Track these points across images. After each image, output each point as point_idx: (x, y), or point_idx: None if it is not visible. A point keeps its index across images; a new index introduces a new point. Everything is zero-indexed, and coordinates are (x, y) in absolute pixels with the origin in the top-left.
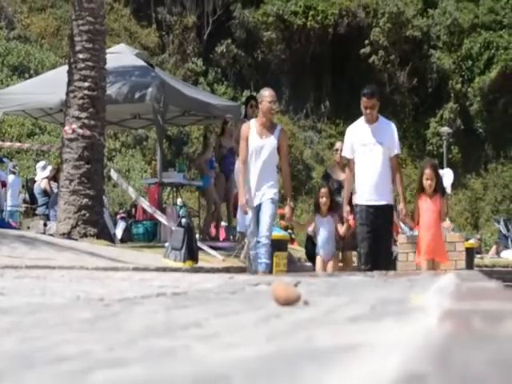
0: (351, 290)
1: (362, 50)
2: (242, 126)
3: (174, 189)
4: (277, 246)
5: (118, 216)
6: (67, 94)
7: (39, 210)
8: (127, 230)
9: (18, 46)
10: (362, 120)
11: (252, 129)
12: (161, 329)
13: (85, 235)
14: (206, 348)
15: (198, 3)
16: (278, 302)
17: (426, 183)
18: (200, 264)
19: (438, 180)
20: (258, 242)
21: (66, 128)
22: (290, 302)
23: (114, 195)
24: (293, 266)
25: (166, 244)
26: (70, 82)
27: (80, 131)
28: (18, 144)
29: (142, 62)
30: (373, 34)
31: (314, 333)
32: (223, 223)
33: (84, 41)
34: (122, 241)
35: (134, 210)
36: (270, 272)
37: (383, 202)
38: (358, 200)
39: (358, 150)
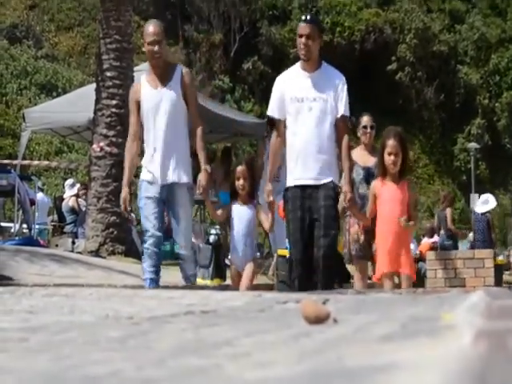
0: (380, 308)
1: (389, 67)
2: (131, 89)
3: (201, 206)
4: None
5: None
6: (95, 112)
7: (67, 228)
8: None
9: (45, 65)
10: (297, 66)
11: (143, 85)
12: (191, 348)
13: (113, 253)
14: (237, 367)
15: (224, 21)
16: (307, 321)
17: (389, 160)
18: (228, 282)
19: (406, 157)
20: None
21: (94, 146)
22: (319, 320)
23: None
24: None
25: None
26: (97, 100)
27: (108, 149)
28: (46, 162)
29: None
30: (399, 50)
31: (345, 352)
32: None
33: (111, 59)
34: None
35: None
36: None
37: (324, 180)
38: (288, 181)
39: (291, 107)
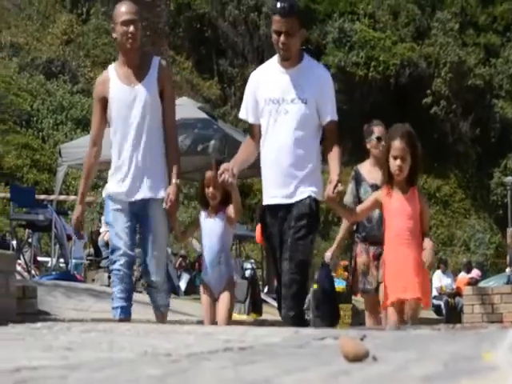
0: (419, 345)
1: (424, 100)
2: (97, 81)
3: (237, 240)
4: (341, 298)
5: (182, 268)
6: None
7: (103, 263)
8: (191, 282)
9: (81, 100)
10: (274, 61)
11: (112, 78)
12: None
13: None
14: None
15: (259, 55)
16: (346, 358)
17: (394, 165)
18: (264, 316)
19: (416, 161)
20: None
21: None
22: (358, 357)
23: (177, 247)
24: (357, 318)
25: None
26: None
27: None
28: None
29: (204, 115)
30: (435, 84)
31: None
32: None
33: None
34: (186, 293)
35: (197, 262)
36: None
37: (299, 197)
38: (263, 199)
39: (265, 110)
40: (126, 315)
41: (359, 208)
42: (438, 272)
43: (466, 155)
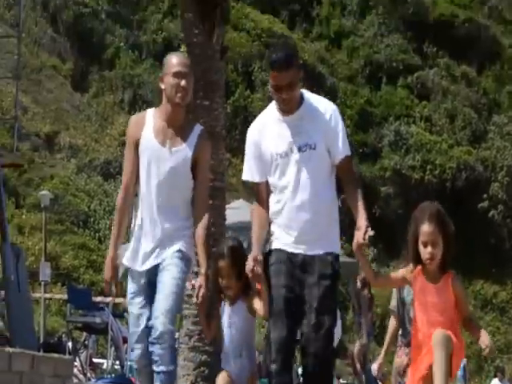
0: None
1: (481, 204)
2: (130, 120)
3: None
4: None
5: None
6: None
7: None
8: None
9: (138, 201)
10: (272, 109)
11: (147, 126)
12: None
13: None
14: None
15: None
16: None
17: (425, 253)
18: None
19: (450, 243)
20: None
21: (186, 284)
22: None
23: None
24: None
25: None
26: None
27: None
28: None
29: None
30: (492, 188)
31: None
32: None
33: None
34: None
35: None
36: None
37: (320, 251)
38: (272, 243)
39: (273, 167)
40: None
41: (385, 275)
42: (496, 380)
43: None
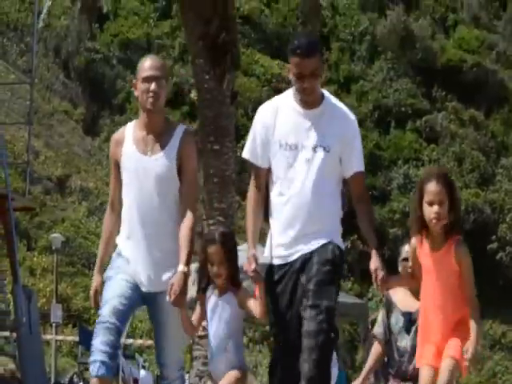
0: None
1: (489, 246)
2: (112, 138)
3: None
4: None
5: None
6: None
7: None
8: None
9: None
10: (290, 97)
11: (127, 140)
12: None
13: None
14: None
15: None
16: None
17: (430, 212)
18: None
19: (455, 209)
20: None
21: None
22: None
23: None
24: None
25: None
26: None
27: None
28: (149, 342)
29: None
30: (500, 229)
31: None
32: None
33: None
34: None
35: None
36: None
37: (321, 242)
38: (272, 252)
39: (280, 156)
40: (107, 372)
41: (412, 272)
42: None
43: None
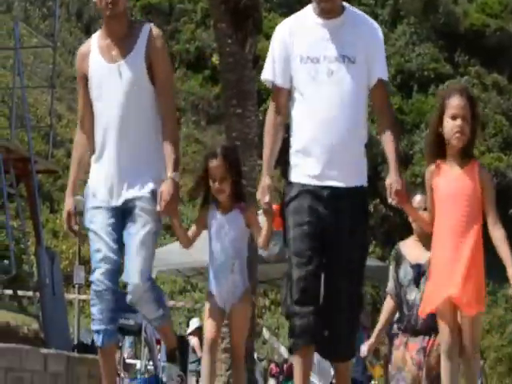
0: None
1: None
2: (77, 52)
3: None
4: None
5: (273, 375)
6: None
7: (191, 367)
8: None
9: None
10: (309, 10)
11: (93, 51)
12: None
13: None
14: None
15: None
16: None
17: (454, 126)
18: None
19: (477, 128)
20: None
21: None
22: None
23: (263, 351)
24: None
25: None
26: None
27: None
28: (172, 302)
29: None
30: None
31: None
32: None
33: None
34: None
35: (285, 366)
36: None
37: (354, 183)
38: (294, 175)
39: (300, 71)
40: (109, 340)
41: (429, 210)
42: None
43: None
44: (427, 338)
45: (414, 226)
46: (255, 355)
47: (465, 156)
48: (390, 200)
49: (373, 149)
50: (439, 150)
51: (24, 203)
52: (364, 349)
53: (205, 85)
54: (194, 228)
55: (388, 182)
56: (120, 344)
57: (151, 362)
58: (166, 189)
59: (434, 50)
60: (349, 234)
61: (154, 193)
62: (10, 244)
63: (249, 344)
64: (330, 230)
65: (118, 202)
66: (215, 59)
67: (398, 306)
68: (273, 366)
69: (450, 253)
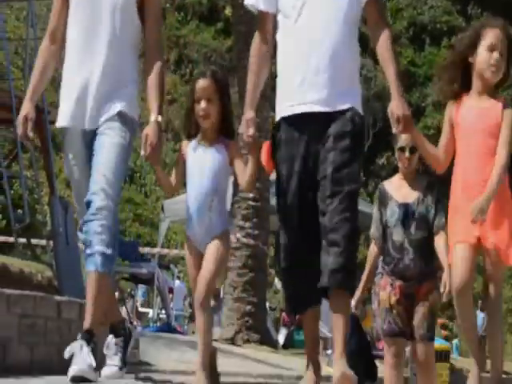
0: None
1: None
2: None
3: None
4: (438, 356)
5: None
6: (232, 204)
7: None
8: (289, 337)
9: None
10: None
11: None
12: None
13: (248, 341)
14: None
15: None
16: None
17: (490, 58)
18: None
19: (510, 65)
20: (88, 205)
21: (231, 237)
22: None
23: (275, 301)
24: (454, 377)
25: (329, 352)
26: (234, 193)
27: (244, 240)
28: (184, 251)
29: None
30: None
31: None
32: None
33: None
34: (284, 347)
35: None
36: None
37: (340, 107)
38: (278, 111)
39: None
40: (109, 264)
41: (441, 143)
42: None
43: None
44: (417, 284)
45: (399, 164)
46: (267, 304)
47: (491, 92)
48: (394, 129)
49: (386, 101)
50: (464, 81)
51: (37, 153)
52: (352, 303)
53: (217, 37)
54: (174, 170)
55: (389, 108)
56: (132, 292)
57: (164, 311)
58: (151, 133)
59: (447, 3)
60: (333, 139)
61: (121, 114)
62: (24, 193)
63: (260, 294)
64: (318, 157)
65: (86, 127)
66: (228, 11)
67: (382, 249)
68: (284, 315)
69: (476, 194)
